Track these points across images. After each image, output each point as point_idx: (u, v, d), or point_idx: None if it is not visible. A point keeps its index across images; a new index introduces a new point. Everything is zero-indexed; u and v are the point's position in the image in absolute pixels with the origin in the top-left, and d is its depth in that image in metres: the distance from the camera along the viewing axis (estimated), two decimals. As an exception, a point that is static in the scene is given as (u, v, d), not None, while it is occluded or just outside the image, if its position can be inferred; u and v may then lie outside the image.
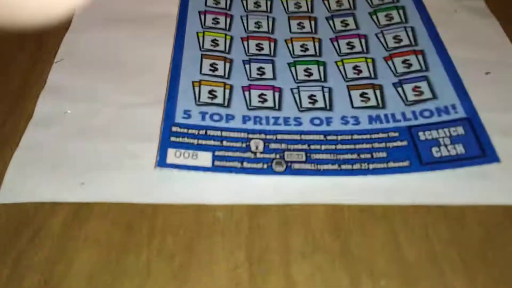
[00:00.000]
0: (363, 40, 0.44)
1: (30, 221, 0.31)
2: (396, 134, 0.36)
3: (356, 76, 0.41)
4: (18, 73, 0.41)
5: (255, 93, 0.39)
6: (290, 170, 0.34)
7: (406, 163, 0.34)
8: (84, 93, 0.39)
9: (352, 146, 0.35)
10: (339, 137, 0.36)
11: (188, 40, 0.43)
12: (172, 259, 0.29)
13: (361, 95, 0.39)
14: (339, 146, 0.35)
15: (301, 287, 0.28)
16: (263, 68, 0.41)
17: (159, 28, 0.45)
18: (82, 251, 0.29)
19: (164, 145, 0.34)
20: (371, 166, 0.34)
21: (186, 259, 0.29)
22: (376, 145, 0.35)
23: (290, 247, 0.30)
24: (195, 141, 0.35)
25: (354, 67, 0.41)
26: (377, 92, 0.39)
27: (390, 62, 0.41)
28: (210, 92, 0.39)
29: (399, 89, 0.39)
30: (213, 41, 0.43)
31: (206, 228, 0.31)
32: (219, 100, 0.38)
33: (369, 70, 0.41)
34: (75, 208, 0.32)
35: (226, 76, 0.40)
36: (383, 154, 0.35)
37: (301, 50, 0.43)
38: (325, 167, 0.34)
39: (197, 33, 0.44)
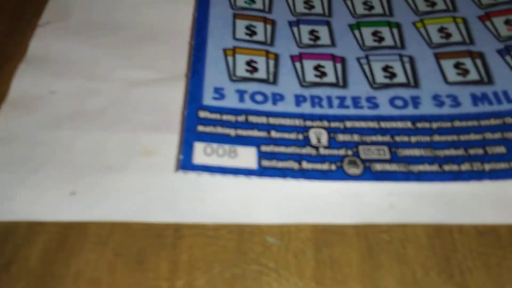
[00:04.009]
0: (447, -6, 0.33)
1: (-4, 252, 0.21)
2: (515, 120, 0.26)
3: (444, 41, 0.30)
4: (-8, 40, 0.31)
5: (309, 64, 0.29)
6: (370, 173, 0.24)
7: (537, 163, 0.24)
8: (77, 67, 0.29)
9: (454, 138, 0.25)
10: (434, 125, 0.25)
11: (214, -4, 0.33)
12: (205, 311, 0.20)
13: (456, 66, 0.29)
14: (436, 138, 0.25)
15: None
16: (317, 32, 0.31)
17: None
18: (71, 299, 0.20)
19: (189, 137, 0.24)
20: (487, 167, 0.24)
21: (226, 312, 0.20)
22: (489, 135, 0.25)
23: (381, 291, 0.20)
24: (232, 131, 0.25)
25: (440, 30, 0.31)
26: (478, 62, 0.29)
27: (488, 23, 0.31)
28: (248, 63, 0.28)
29: (508, 58, 0.29)
30: (247, -3, 0.33)
31: (252, 262, 0.21)
32: (261, 74, 0.28)
33: (461, 34, 0.30)
34: (61, 231, 0.22)
35: (269, 42, 0.30)
36: (502, 149, 0.24)
37: (365, 8, 0.33)
38: (421, 168, 0.24)
39: (225, -13, 0.34)
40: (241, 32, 0.30)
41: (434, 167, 0.24)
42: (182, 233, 0.22)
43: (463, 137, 0.25)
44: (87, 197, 0.23)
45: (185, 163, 0.23)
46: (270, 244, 0.22)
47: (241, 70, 0.28)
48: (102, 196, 0.23)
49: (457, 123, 0.26)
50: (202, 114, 0.25)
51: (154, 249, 0.21)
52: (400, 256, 0.21)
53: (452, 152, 0.24)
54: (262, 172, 0.23)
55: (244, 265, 0.21)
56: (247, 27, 0.31)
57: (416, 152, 0.24)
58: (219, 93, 0.27)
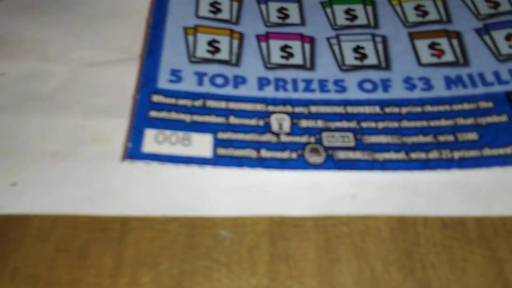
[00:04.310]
0: (425, -31, 0.31)
1: None
2: (490, 104, 0.24)
3: (420, 19, 0.28)
4: None
5: (276, 44, 0.27)
6: (332, 162, 0.22)
7: (510, 150, 0.22)
8: (29, 47, 0.27)
9: (424, 123, 0.23)
10: (404, 109, 0.24)
11: (178, -30, 0.31)
12: (149, 311, 0.19)
13: (431, 46, 0.27)
14: (405, 124, 0.24)
15: None
16: (286, 9, 0.29)
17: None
18: (5, 298, 0.19)
19: (140, 123, 0.23)
20: (457, 155, 0.22)
21: (172, 311, 0.19)
22: (460, 121, 0.23)
23: (336, 287, 0.19)
24: (188, 117, 0.23)
25: (417, 7, 0.29)
26: (454, 42, 0.27)
27: (468, 0, 0.29)
28: (210, 43, 0.27)
29: (486, 37, 0.27)
30: (214, -29, 0.31)
31: (203, 257, 0.20)
32: (223, 55, 0.26)
33: (438, 11, 0.29)
34: (0, 224, 0.21)
35: (234, 20, 0.28)
36: (474, 136, 0.23)
37: (339, -16, 0.31)
38: (386, 156, 0.22)
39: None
40: (204, 9, 0.28)
41: (401, 155, 0.22)
42: (130, 227, 0.21)
43: (433, 123, 0.23)
44: (29, 188, 0.21)
45: (133, 152, 0.21)
46: (223, 238, 0.20)
47: (202, 50, 0.26)
48: (46, 187, 0.21)
49: (428, 108, 0.24)
50: (156, 98, 0.24)
51: (99, 243, 0.20)
52: (359, 250, 0.20)
53: (420, 139, 0.23)
54: (217, 161, 0.22)
55: (194, 260, 0.20)
56: (212, 4, 0.29)
57: (382, 139, 0.23)
58: (176, 75, 0.25)
